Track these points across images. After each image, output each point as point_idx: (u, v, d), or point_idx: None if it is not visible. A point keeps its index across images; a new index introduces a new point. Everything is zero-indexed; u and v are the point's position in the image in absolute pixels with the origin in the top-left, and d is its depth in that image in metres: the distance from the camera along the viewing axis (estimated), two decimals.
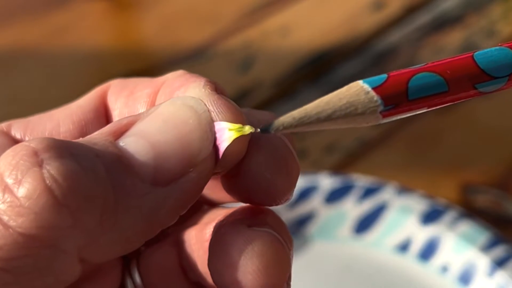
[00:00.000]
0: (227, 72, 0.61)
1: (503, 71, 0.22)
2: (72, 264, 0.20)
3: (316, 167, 0.53)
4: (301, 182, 0.48)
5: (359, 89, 0.21)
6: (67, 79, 0.62)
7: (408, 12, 0.67)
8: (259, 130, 0.21)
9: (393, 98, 0.21)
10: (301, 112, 0.20)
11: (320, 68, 0.62)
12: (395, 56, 0.63)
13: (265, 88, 0.60)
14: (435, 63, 0.22)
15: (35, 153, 0.20)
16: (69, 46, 0.65)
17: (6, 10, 0.68)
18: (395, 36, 0.64)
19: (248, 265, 0.22)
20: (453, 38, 0.64)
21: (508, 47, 0.22)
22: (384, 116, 0.21)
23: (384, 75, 0.21)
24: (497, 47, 0.22)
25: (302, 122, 0.20)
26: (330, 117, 0.20)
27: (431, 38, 0.64)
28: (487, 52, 0.22)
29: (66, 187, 0.19)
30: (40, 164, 0.19)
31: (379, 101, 0.20)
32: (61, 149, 0.20)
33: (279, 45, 0.64)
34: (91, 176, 0.20)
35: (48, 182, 0.19)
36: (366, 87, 0.21)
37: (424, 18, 0.66)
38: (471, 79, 0.22)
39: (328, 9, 0.68)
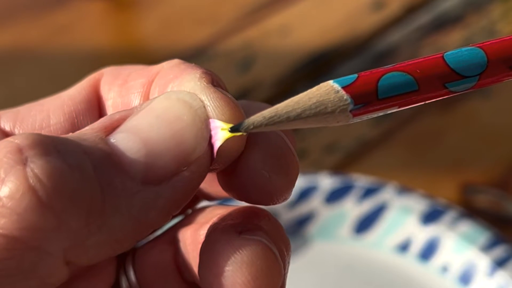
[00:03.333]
0: (227, 72, 0.61)
1: (473, 71, 0.22)
2: (57, 267, 0.19)
3: (316, 167, 0.53)
4: (301, 182, 0.48)
5: (329, 88, 0.20)
6: (67, 79, 0.62)
7: (408, 12, 0.67)
8: (229, 130, 0.21)
9: (363, 97, 0.21)
10: (271, 111, 0.20)
11: (320, 68, 0.62)
12: (395, 56, 0.63)
13: (265, 88, 0.60)
14: (406, 63, 0.22)
15: (20, 150, 0.19)
16: (69, 46, 0.65)
17: (7, 10, 0.68)
18: (395, 36, 0.64)
19: (237, 276, 0.21)
20: (453, 38, 0.64)
21: (478, 47, 0.22)
22: (354, 115, 0.21)
23: (355, 75, 0.21)
24: (468, 47, 0.22)
25: (272, 121, 0.20)
26: (300, 116, 0.20)
27: (431, 38, 0.64)
28: (458, 52, 0.22)
29: (50, 187, 0.19)
30: (24, 162, 0.19)
31: (349, 100, 0.20)
32: (47, 146, 0.19)
33: (279, 45, 0.64)
34: (77, 175, 0.19)
35: (31, 181, 0.18)
36: (336, 86, 0.20)
37: (424, 18, 0.66)
38: (441, 78, 0.22)
39: (328, 9, 0.68)
